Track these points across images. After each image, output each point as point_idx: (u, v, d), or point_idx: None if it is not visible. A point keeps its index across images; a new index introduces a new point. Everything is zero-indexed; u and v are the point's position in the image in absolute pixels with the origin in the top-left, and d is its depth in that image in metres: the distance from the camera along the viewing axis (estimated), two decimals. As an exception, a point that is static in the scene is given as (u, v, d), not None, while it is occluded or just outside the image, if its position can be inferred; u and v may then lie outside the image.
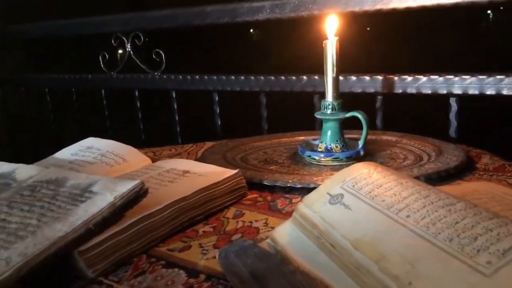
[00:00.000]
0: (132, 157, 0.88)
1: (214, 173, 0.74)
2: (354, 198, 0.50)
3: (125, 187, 0.59)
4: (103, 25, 1.57)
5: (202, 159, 0.94)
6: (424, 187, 0.47)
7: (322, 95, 0.90)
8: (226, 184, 0.71)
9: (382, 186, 0.50)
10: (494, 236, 0.37)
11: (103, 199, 0.57)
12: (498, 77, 1.01)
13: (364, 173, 0.54)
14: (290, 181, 0.76)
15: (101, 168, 0.82)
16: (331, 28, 0.88)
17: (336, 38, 0.88)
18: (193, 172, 0.75)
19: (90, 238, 0.53)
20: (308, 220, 0.51)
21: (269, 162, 0.93)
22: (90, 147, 0.90)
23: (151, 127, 1.96)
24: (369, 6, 1.09)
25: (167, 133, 1.66)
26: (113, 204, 0.56)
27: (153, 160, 0.90)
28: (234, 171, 0.74)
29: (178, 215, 0.64)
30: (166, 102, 1.60)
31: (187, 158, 1.02)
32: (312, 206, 0.52)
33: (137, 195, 0.59)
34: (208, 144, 1.12)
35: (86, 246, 0.53)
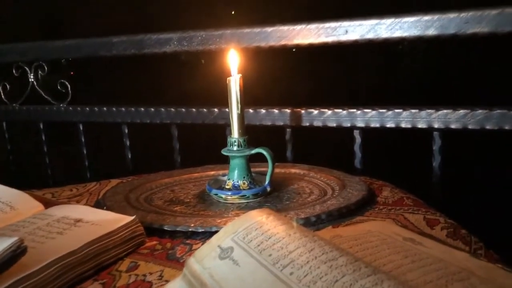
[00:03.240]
0: (21, 203, 0.81)
1: (109, 221, 0.70)
2: (243, 252, 0.48)
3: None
4: (1, 54, 1.47)
5: (102, 200, 0.89)
6: (310, 239, 0.47)
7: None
8: (122, 233, 0.67)
9: (271, 238, 0.49)
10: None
11: (-30, 264, 0.51)
12: (397, 111, 1.05)
13: (257, 222, 0.53)
14: (192, 225, 0.74)
15: (-16, 218, 0.75)
16: (234, 64, 0.88)
17: (239, 75, 0.88)
18: (85, 221, 0.70)
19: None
20: (197, 278, 0.48)
21: (175, 202, 0.89)
22: (-26, 194, 0.82)
23: (61, 161, 1.86)
24: (274, 42, 1.11)
25: (79, 166, 1.57)
26: (-18, 269, 0.51)
27: (50, 204, 0.83)
28: (131, 218, 0.70)
29: (65, 272, 0.59)
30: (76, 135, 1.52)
31: (88, 199, 0.97)
32: (202, 261, 0.50)
33: (14, 255, 0.54)
34: (114, 182, 1.06)
35: None
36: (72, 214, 0.72)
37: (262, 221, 0.53)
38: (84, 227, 0.68)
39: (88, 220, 0.70)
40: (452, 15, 0.95)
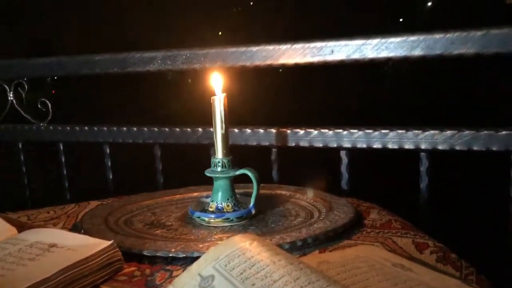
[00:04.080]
0: (-7, 227, 0.77)
1: (86, 245, 0.66)
2: (225, 281, 0.45)
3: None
4: (-21, 71, 1.44)
5: (80, 224, 0.86)
6: (296, 267, 0.44)
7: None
8: (98, 259, 0.64)
9: (254, 265, 0.46)
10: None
11: None
12: (383, 131, 1.04)
13: (239, 249, 0.50)
14: (173, 250, 0.71)
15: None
16: (218, 83, 0.86)
17: (224, 94, 0.86)
18: (60, 246, 0.66)
19: None
20: (175, 309, 0.45)
21: (156, 226, 0.86)
22: None
23: (41, 181, 1.81)
24: (259, 61, 1.10)
25: (59, 187, 1.53)
26: None
27: (24, 227, 0.79)
28: (109, 243, 0.67)
29: (35, 302, 0.55)
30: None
31: (66, 222, 0.93)
32: (182, 290, 0.47)
33: (-21, 285, 0.50)
34: (93, 203, 1.03)
35: None
36: (46, 239, 0.69)
37: (246, 247, 0.50)
38: (58, 253, 0.64)
39: (63, 245, 0.67)
40: (438, 36, 0.94)
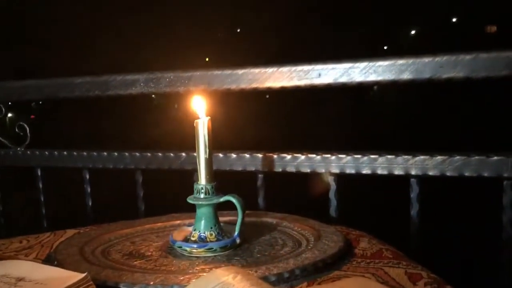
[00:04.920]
0: (-43, 259, 0.72)
1: (56, 279, 0.61)
2: (205, 321, 0.41)
3: None
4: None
5: (54, 254, 0.81)
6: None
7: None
8: (69, 294, 0.59)
9: (238, 303, 0.42)
10: None
11: None
12: (372, 156, 1.01)
13: (222, 283, 0.46)
14: (152, 283, 0.66)
15: None
16: (201, 107, 0.83)
17: (208, 118, 0.83)
18: (29, 280, 0.61)
19: None
20: None
21: (135, 256, 0.82)
22: None
23: (18, 207, 1.75)
24: (245, 84, 1.07)
25: (37, 214, 1.47)
26: None
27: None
28: (82, 275, 0.62)
29: None
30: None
31: (39, 252, 0.88)
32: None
33: None
34: (70, 232, 0.98)
35: None
36: (14, 272, 0.64)
37: (229, 281, 0.46)
38: (26, 287, 0.59)
39: (32, 278, 0.62)
40: (426, 59, 0.93)
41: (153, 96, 1.27)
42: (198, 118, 0.83)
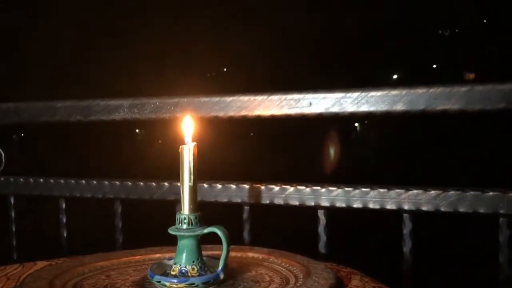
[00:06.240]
0: None
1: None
2: None
3: None
4: None
5: (19, 288, 0.74)
6: None
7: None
8: (31, 333, 0.53)
9: None
10: None
11: None
12: (364, 189, 0.98)
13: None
14: (125, 321, 0.60)
15: None
16: (188, 132, 0.79)
17: (194, 143, 0.79)
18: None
19: None
20: None
21: (109, 291, 0.75)
22: None
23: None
24: (233, 112, 1.04)
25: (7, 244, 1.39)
26: None
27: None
28: (47, 312, 0.55)
29: None
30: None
31: (4, 285, 0.81)
32: None
33: None
34: (40, 264, 0.91)
35: None
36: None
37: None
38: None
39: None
40: (420, 91, 0.91)
41: (136, 130, 1.23)
42: (183, 144, 0.79)
